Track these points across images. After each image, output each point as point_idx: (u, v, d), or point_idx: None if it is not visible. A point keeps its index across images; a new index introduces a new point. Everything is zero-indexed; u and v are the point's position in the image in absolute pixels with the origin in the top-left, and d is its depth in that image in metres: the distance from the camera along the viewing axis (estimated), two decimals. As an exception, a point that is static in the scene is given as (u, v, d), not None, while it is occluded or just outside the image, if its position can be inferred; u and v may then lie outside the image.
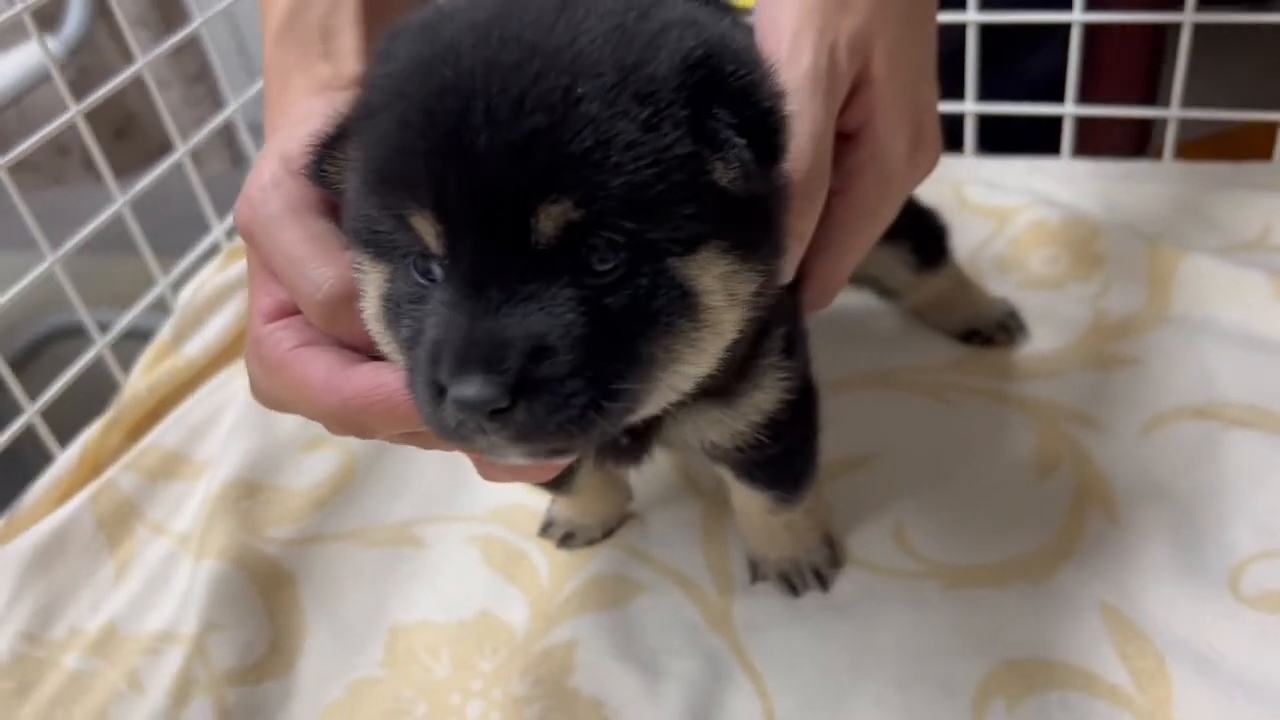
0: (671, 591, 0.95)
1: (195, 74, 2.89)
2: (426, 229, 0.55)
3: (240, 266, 1.32)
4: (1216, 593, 0.86)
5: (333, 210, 0.66)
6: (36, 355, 1.93)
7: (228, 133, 3.05)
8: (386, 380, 0.60)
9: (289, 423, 1.16)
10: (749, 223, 0.60)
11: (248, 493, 1.08)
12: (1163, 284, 1.13)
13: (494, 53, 0.54)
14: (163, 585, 1.04)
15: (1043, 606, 0.88)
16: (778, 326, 0.73)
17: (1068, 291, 1.17)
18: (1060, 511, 0.95)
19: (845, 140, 0.75)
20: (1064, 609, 0.88)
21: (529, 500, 1.05)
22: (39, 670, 0.97)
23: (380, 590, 1.00)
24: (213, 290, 1.30)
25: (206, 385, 1.24)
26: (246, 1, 1.14)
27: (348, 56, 0.76)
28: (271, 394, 0.68)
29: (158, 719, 0.91)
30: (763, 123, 0.57)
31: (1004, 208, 1.27)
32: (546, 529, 1.02)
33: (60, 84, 1.17)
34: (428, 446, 0.67)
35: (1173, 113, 1.26)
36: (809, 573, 0.93)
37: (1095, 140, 1.46)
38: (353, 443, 1.13)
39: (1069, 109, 1.30)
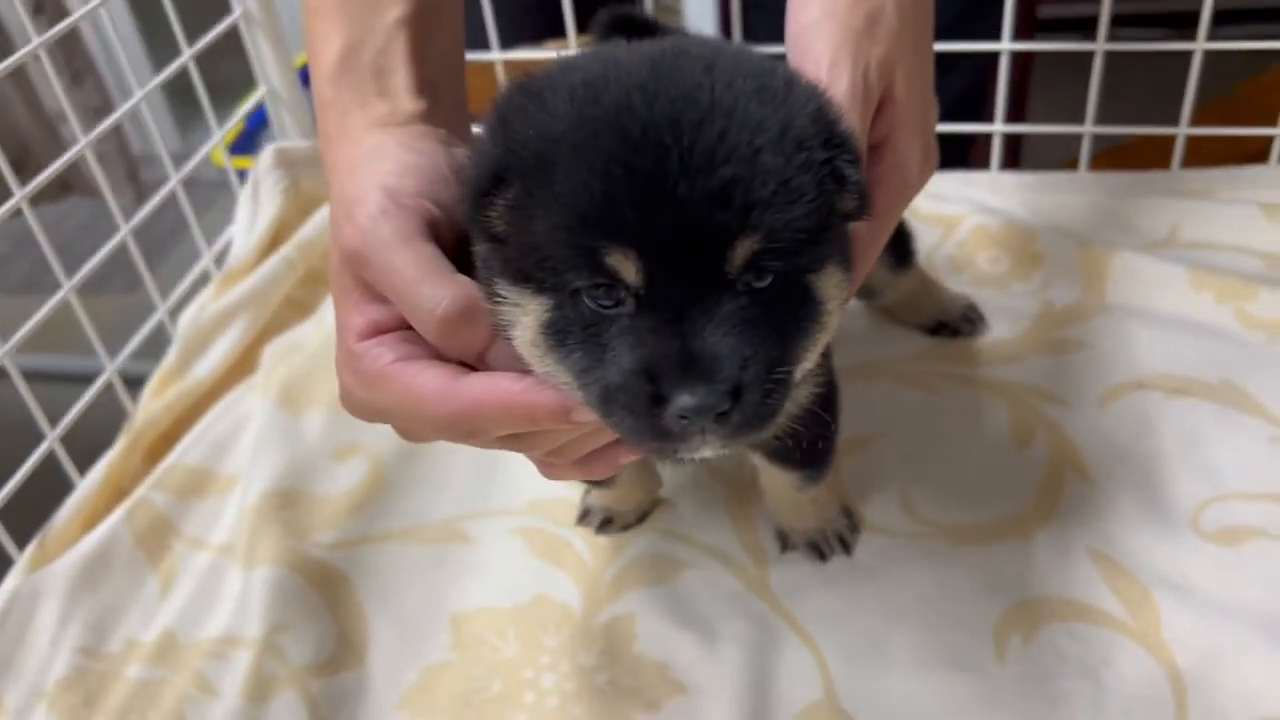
0: (711, 566, 1.05)
1: (97, 107, 2.85)
2: (626, 265, 0.62)
3: (237, 292, 1.36)
4: (1182, 533, 1.01)
5: (435, 240, 0.74)
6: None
7: (132, 164, 3.02)
8: (506, 386, 0.68)
9: (313, 435, 1.22)
10: (846, 240, 0.72)
11: (286, 503, 1.13)
12: (1097, 278, 1.30)
13: (675, 111, 0.63)
14: (213, 594, 1.08)
15: (1039, 555, 1.02)
16: None
17: (1013, 288, 1.33)
18: (1040, 475, 1.09)
19: (869, 153, 0.87)
20: (1057, 556, 1.01)
21: (563, 493, 1.14)
22: (102, 682, 1.01)
23: (434, 583, 1.07)
24: (214, 315, 1.34)
25: (219, 404, 1.28)
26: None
27: (402, 94, 0.83)
28: (368, 404, 0.74)
29: (236, 716, 0.95)
30: (858, 155, 0.69)
31: (949, 215, 1.42)
32: (584, 517, 1.11)
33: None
34: (525, 449, 0.74)
35: (1088, 129, 1.44)
36: (834, 539, 1.05)
37: (978, 156, 1.64)
38: (380, 450, 1.19)
39: (998, 127, 1.46)
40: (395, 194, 0.73)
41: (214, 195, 2.80)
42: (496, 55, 1.52)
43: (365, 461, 1.19)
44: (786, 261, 0.65)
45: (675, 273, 0.63)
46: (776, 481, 1.03)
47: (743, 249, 0.63)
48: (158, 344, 1.34)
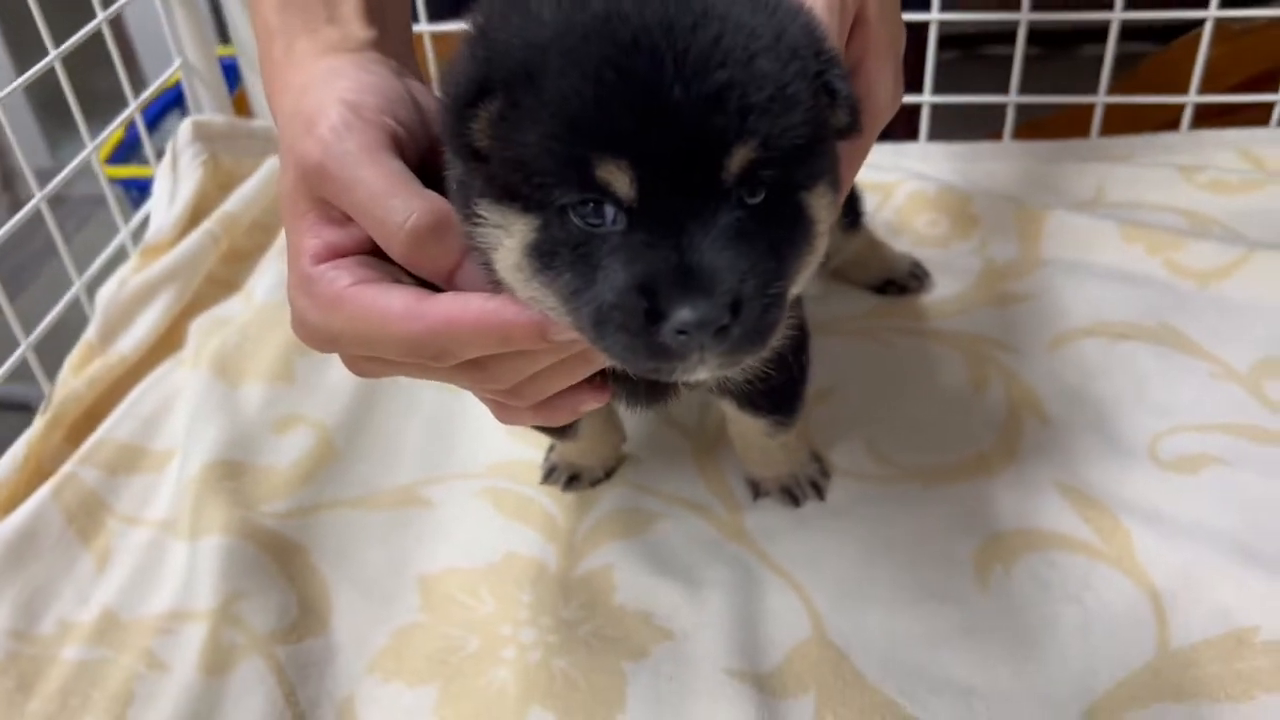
0: (685, 516, 1.03)
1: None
2: (619, 176, 0.59)
3: (159, 267, 1.29)
4: (1142, 463, 1.04)
5: (401, 154, 0.70)
6: None
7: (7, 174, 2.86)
8: (480, 303, 0.65)
9: (251, 407, 1.16)
10: (835, 160, 0.70)
11: (230, 473, 1.07)
12: (1033, 236, 1.33)
13: (668, 15, 0.60)
14: (155, 570, 1.01)
15: (1008, 491, 1.03)
16: None
17: (954, 247, 1.35)
18: (1000, 416, 1.11)
19: None
20: (1026, 491, 1.03)
21: (524, 454, 1.10)
22: (36, 666, 0.93)
23: (397, 547, 1.02)
24: (136, 290, 1.27)
25: (149, 378, 1.21)
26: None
27: (352, 21, 0.80)
28: (323, 329, 0.69)
29: (192, 690, 0.89)
30: (846, 70, 0.68)
31: (885, 183, 1.44)
32: (550, 474, 1.07)
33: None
34: (487, 380, 0.69)
35: (1012, 99, 1.48)
36: (806, 484, 1.04)
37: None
38: (324, 420, 1.14)
39: (926, 98, 1.50)
40: (357, 108, 0.69)
41: (93, 209, 2.69)
42: (425, 27, 1.49)
43: (310, 432, 1.13)
44: (781, 173, 0.62)
45: (669, 184, 0.60)
46: (746, 428, 1.01)
47: (739, 156, 0.60)
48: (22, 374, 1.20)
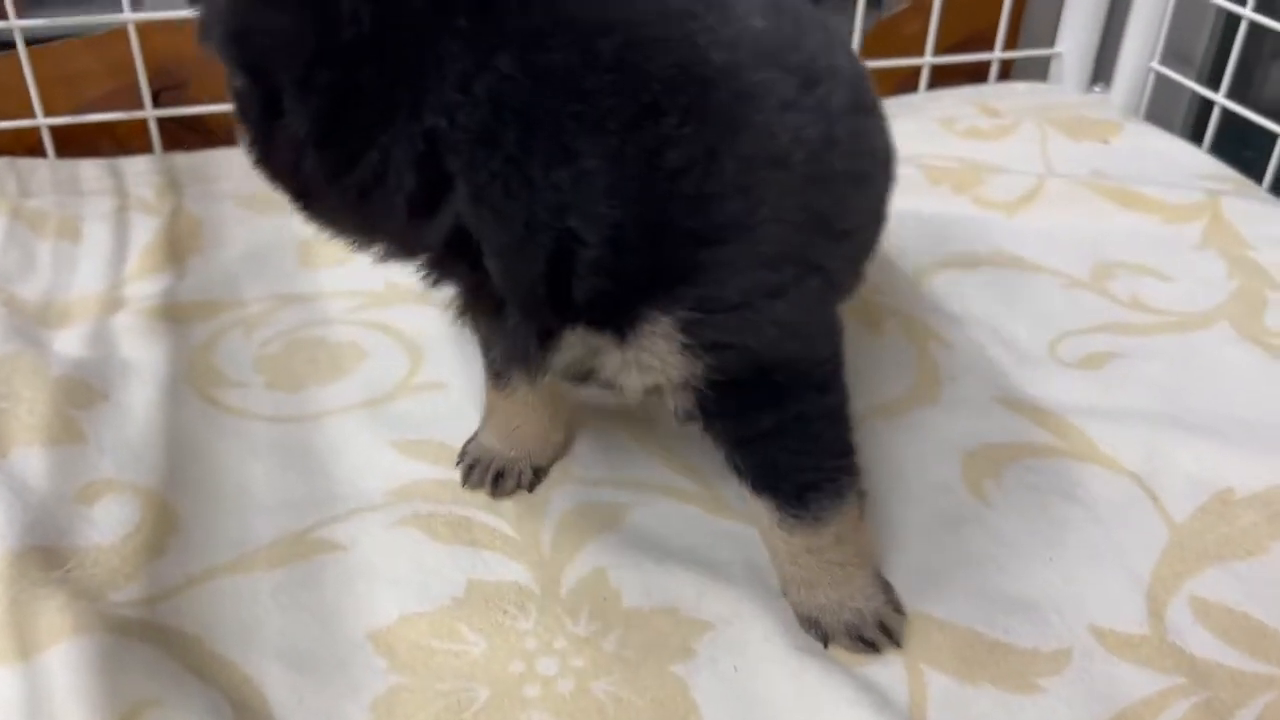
0: (655, 500, 0.89)
1: None
2: None
3: None
4: (1053, 367, 1.05)
5: None
6: None
7: None
8: None
9: (35, 478, 0.86)
10: None
11: (45, 563, 0.78)
12: (846, 189, 1.34)
13: None
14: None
15: (957, 414, 0.99)
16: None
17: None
18: (911, 354, 1.07)
19: None
20: (972, 410, 1.00)
21: (426, 472, 0.91)
22: None
23: (318, 607, 0.79)
24: None
25: None
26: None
27: None
28: None
29: None
30: None
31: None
32: (470, 473, 0.89)
33: None
34: None
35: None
36: (873, 624, 0.77)
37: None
38: (143, 483, 0.87)
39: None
40: None
41: None
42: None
43: (129, 498, 0.85)
44: None
45: None
46: (758, 515, 0.78)
47: None
48: None
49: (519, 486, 0.89)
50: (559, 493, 0.89)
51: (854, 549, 0.78)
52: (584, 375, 0.73)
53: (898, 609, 0.79)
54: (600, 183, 0.60)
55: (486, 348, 0.87)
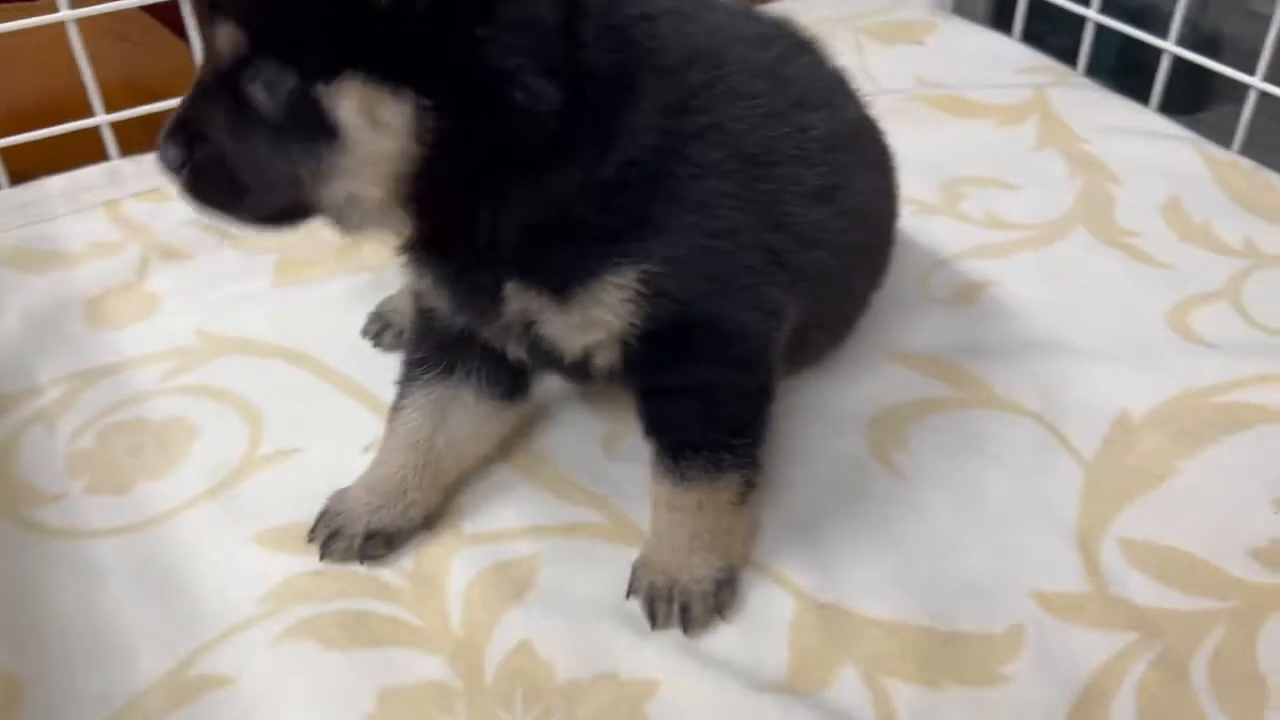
0: (561, 544, 0.82)
1: None
2: None
3: None
4: (928, 307, 1.03)
5: None
6: None
7: None
8: None
9: None
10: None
11: None
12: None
13: None
14: None
15: (849, 377, 0.95)
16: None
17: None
18: (780, 316, 1.03)
19: None
20: (862, 367, 0.96)
21: (294, 565, 0.80)
22: None
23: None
24: None
25: None
26: None
27: None
28: None
29: None
30: None
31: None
32: (330, 545, 0.80)
33: None
34: None
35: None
36: (697, 600, 0.76)
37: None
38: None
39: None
40: None
41: None
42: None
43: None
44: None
45: None
46: (654, 460, 0.78)
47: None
48: None
49: (392, 547, 0.80)
50: (457, 559, 0.80)
51: (713, 526, 0.77)
52: (583, 372, 0.76)
53: (719, 612, 0.76)
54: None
55: (419, 339, 0.83)
